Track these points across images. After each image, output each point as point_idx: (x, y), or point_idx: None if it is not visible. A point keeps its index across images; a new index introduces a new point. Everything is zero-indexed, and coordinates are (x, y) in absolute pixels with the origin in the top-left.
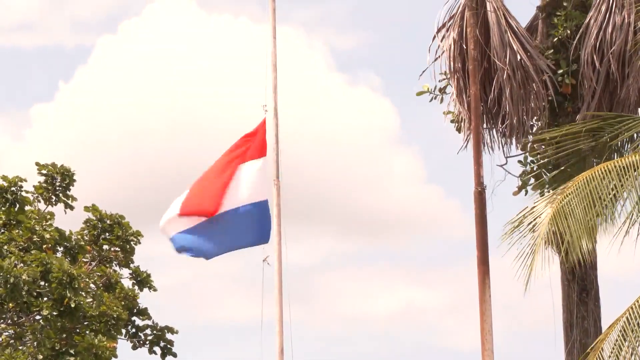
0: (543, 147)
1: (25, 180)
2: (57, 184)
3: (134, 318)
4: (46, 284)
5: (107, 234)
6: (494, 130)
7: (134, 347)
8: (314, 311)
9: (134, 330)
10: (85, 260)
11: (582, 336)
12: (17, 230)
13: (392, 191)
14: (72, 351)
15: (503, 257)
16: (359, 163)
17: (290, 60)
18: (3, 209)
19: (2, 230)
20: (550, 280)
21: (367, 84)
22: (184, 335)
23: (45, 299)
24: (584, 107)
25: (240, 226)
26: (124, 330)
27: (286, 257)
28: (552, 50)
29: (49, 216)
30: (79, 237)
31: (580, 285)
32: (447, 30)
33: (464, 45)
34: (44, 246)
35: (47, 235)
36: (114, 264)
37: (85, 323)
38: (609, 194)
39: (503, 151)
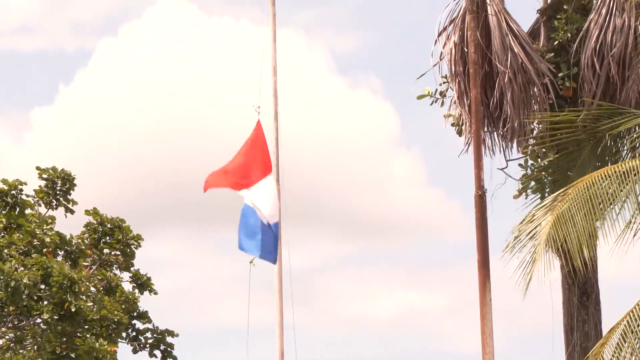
0: (544, 150)
1: (26, 184)
2: (58, 188)
3: (134, 321)
4: (47, 288)
5: (108, 237)
6: (495, 134)
7: (135, 351)
8: (314, 314)
9: (134, 333)
10: (85, 264)
11: (582, 340)
12: (17, 234)
13: (392, 194)
14: (72, 355)
15: (505, 267)
16: (360, 166)
17: (290, 63)
18: (3, 212)
19: (3, 234)
20: (550, 284)
21: (368, 86)
22: (184, 339)
23: (45, 302)
24: (584, 110)
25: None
26: (124, 334)
27: (288, 261)
28: (552, 54)
29: (49, 220)
30: (80, 240)
31: (581, 288)
32: (448, 34)
33: (465, 49)
34: (45, 250)
35: (48, 239)
36: (114, 268)
37: (86, 327)
38: (609, 199)
39: (504, 154)
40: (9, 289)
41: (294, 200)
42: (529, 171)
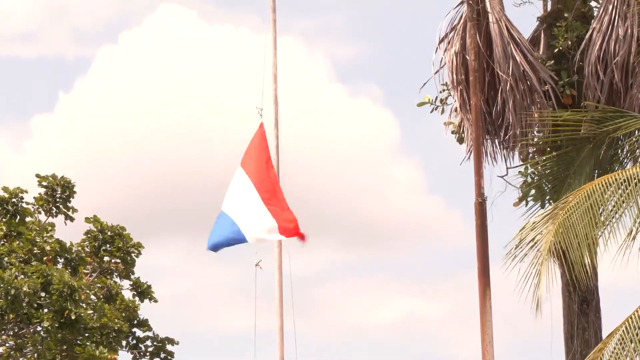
0: (544, 158)
1: (26, 192)
2: (58, 195)
3: (134, 329)
4: (47, 296)
5: (108, 245)
6: (496, 141)
7: (135, 359)
8: (314, 321)
9: (134, 341)
10: (85, 271)
11: (582, 347)
12: (17, 242)
13: (393, 202)
14: None
15: (506, 274)
16: (360, 174)
17: (291, 71)
18: (4, 220)
19: (3, 242)
20: (551, 292)
21: (368, 94)
22: (184, 347)
23: (46, 310)
24: (587, 113)
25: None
26: (124, 342)
27: (289, 268)
28: (553, 61)
29: (49, 227)
30: (80, 248)
31: (581, 296)
32: (449, 42)
33: (466, 57)
34: (45, 258)
35: (48, 247)
36: (114, 276)
37: (86, 334)
38: (610, 207)
39: (505, 162)
40: (9, 297)
41: (295, 208)
42: (529, 179)
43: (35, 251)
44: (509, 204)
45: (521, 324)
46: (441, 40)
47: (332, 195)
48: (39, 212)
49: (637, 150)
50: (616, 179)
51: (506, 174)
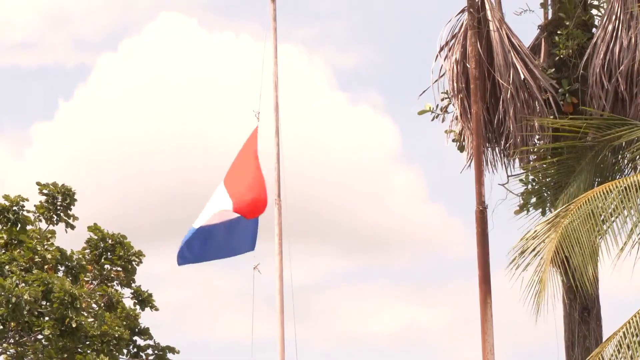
0: (545, 165)
1: (27, 200)
2: (58, 203)
3: (135, 338)
4: (48, 304)
5: (109, 253)
6: (497, 149)
7: None
8: (315, 329)
9: (135, 350)
10: (86, 279)
11: (583, 355)
12: (18, 250)
13: (393, 209)
14: None
15: (507, 282)
16: (360, 181)
17: (291, 79)
18: (5, 228)
19: (4, 250)
20: (553, 300)
21: (369, 102)
22: (185, 355)
23: (46, 318)
24: (587, 125)
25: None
26: (125, 350)
27: (289, 276)
28: (553, 69)
29: (50, 235)
30: (81, 256)
31: (582, 304)
32: (450, 50)
33: (467, 65)
34: (46, 266)
35: (49, 255)
36: (115, 284)
37: (87, 343)
38: (611, 214)
39: (505, 170)
40: (10, 305)
41: (295, 216)
42: (529, 186)
43: (36, 259)
44: (509, 212)
45: (522, 332)
46: (442, 48)
47: (332, 202)
48: (40, 220)
49: (638, 159)
50: (617, 186)
51: (507, 182)
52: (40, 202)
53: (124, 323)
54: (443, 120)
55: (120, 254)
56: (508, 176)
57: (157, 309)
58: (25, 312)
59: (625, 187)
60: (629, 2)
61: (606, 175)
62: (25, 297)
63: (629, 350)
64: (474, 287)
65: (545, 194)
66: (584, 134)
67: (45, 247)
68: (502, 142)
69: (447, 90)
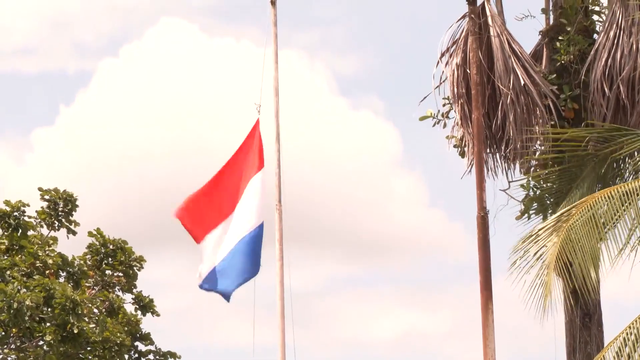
0: (546, 172)
1: (28, 205)
2: (60, 209)
3: (136, 343)
4: (49, 310)
5: (110, 259)
6: (498, 155)
7: None
8: (315, 335)
9: (136, 355)
10: (87, 285)
11: None
12: (20, 256)
13: (394, 215)
14: None
15: (513, 289)
16: (361, 187)
17: (292, 84)
18: (6, 234)
19: (5, 256)
20: (555, 305)
21: (370, 107)
22: None
23: (48, 324)
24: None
25: (245, 258)
26: (126, 356)
27: (289, 282)
28: (554, 75)
29: (51, 241)
30: (82, 262)
31: (583, 309)
32: (451, 56)
33: (467, 70)
34: (47, 271)
35: (50, 261)
36: (116, 289)
37: (88, 348)
38: (612, 219)
39: (506, 176)
40: (12, 311)
41: (295, 221)
42: (531, 192)
43: (37, 265)
44: (511, 218)
45: (523, 337)
46: (443, 54)
47: (333, 208)
48: (41, 226)
49: None
50: (618, 191)
51: (508, 188)
52: (42, 207)
53: (126, 329)
54: (444, 125)
55: (122, 259)
56: (509, 182)
57: (158, 315)
58: (26, 318)
59: (625, 192)
60: (630, 8)
61: (608, 182)
62: (27, 302)
63: (629, 358)
64: (475, 292)
65: (548, 201)
66: (586, 144)
67: (47, 252)
68: (503, 148)
69: (448, 96)
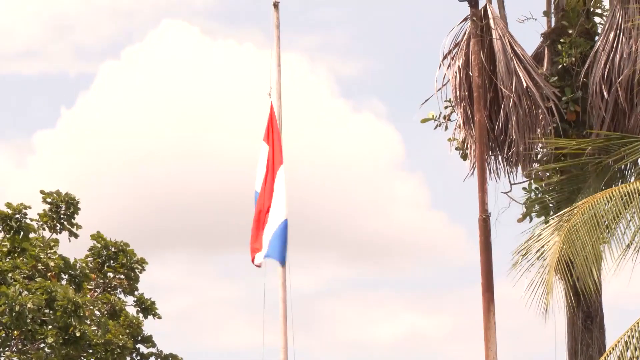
0: (548, 174)
1: (30, 208)
2: (62, 212)
3: (138, 346)
4: (51, 312)
5: (112, 261)
6: (500, 157)
7: None
8: (316, 338)
9: (138, 358)
10: (89, 287)
11: None
12: (21, 258)
13: (396, 217)
14: None
15: (514, 286)
16: (363, 189)
17: (294, 87)
18: (7, 236)
19: (7, 258)
20: (556, 307)
21: (372, 110)
22: None
23: (50, 327)
24: (592, 136)
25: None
26: (128, 358)
27: (290, 284)
28: (556, 78)
29: (53, 244)
30: (84, 264)
31: (585, 312)
32: (453, 58)
33: (470, 73)
34: (49, 274)
35: (52, 263)
36: (118, 292)
37: (90, 351)
38: (613, 221)
39: (508, 178)
40: (14, 313)
41: (297, 224)
42: (533, 195)
43: (39, 267)
44: (512, 220)
45: (525, 340)
46: (445, 57)
47: (334, 210)
48: (43, 229)
49: None
50: (620, 192)
51: (510, 190)
52: (44, 210)
53: (127, 331)
54: (446, 128)
55: (123, 261)
56: (511, 184)
57: (160, 317)
58: (28, 321)
59: (627, 193)
60: (630, 11)
61: (611, 185)
62: (29, 305)
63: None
64: (477, 295)
65: (549, 202)
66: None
67: (48, 255)
68: (505, 150)
69: (450, 99)
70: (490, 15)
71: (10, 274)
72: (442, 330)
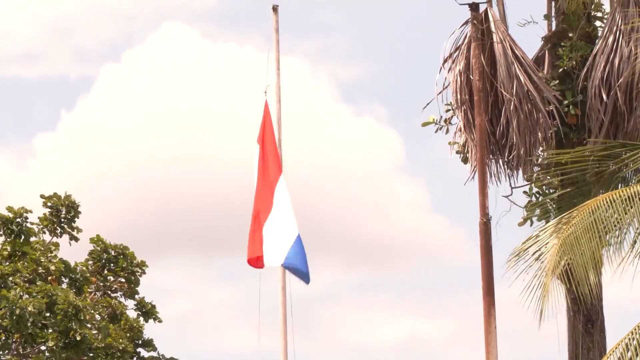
0: (548, 177)
1: (31, 212)
2: (62, 215)
3: (139, 349)
4: (51, 316)
5: (112, 264)
6: (500, 161)
7: None
8: (317, 341)
9: None
10: (90, 291)
11: None
12: (22, 262)
13: (397, 221)
14: None
15: (510, 286)
16: (364, 193)
17: (294, 91)
18: (8, 240)
19: (8, 262)
20: (556, 311)
21: (373, 114)
22: None
23: (50, 330)
24: (591, 140)
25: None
26: None
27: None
28: (557, 81)
29: (53, 247)
30: (84, 268)
31: (586, 315)
32: (454, 62)
33: (470, 76)
34: (50, 277)
35: (53, 267)
36: (118, 295)
37: (91, 355)
38: (614, 224)
39: (509, 182)
40: (14, 317)
41: (298, 227)
42: (533, 199)
43: (39, 271)
44: (513, 224)
45: (526, 343)
46: (445, 60)
47: (336, 214)
48: (44, 232)
49: None
50: (620, 196)
51: (510, 194)
52: (45, 214)
53: (128, 335)
54: (447, 132)
55: (124, 265)
56: (512, 188)
57: (160, 321)
58: (29, 324)
59: (628, 197)
60: (630, 14)
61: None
62: (29, 308)
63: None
64: (477, 298)
65: (549, 206)
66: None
67: (49, 258)
68: (506, 154)
69: (450, 102)
70: (491, 19)
71: (10, 278)
72: (442, 333)
